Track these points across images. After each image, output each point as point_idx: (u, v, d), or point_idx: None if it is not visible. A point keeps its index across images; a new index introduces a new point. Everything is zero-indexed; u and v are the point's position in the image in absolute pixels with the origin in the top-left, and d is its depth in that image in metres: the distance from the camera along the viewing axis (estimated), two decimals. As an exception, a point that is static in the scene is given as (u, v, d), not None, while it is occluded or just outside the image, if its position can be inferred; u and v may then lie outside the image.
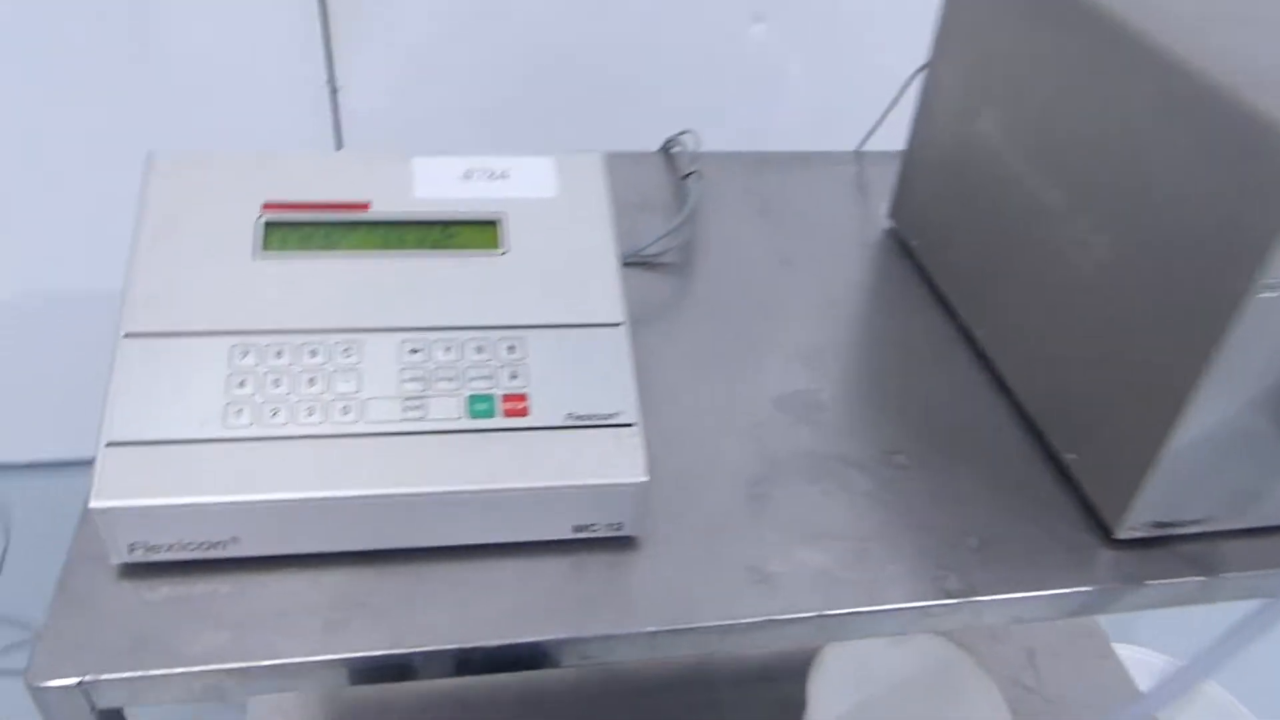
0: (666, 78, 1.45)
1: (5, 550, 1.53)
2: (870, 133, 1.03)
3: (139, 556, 0.55)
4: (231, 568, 0.57)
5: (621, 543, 0.61)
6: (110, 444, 0.55)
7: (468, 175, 0.67)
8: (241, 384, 0.57)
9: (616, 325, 0.63)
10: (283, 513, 0.55)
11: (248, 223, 0.63)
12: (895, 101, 0.96)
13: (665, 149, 1.01)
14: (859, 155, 1.04)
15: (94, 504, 0.53)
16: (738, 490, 0.66)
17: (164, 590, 0.56)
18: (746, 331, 0.78)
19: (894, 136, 0.97)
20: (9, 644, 1.40)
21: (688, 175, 0.92)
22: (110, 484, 0.53)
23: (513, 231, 0.65)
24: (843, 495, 0.66)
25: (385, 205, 0.65)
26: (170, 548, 0.55)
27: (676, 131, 1.00)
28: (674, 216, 0.88)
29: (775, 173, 0.99)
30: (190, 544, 0.56)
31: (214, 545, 0.56)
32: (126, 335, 0.58)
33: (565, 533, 0.60)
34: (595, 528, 0.60)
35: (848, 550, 0.63)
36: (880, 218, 0.94)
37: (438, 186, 0.67)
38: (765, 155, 1.02)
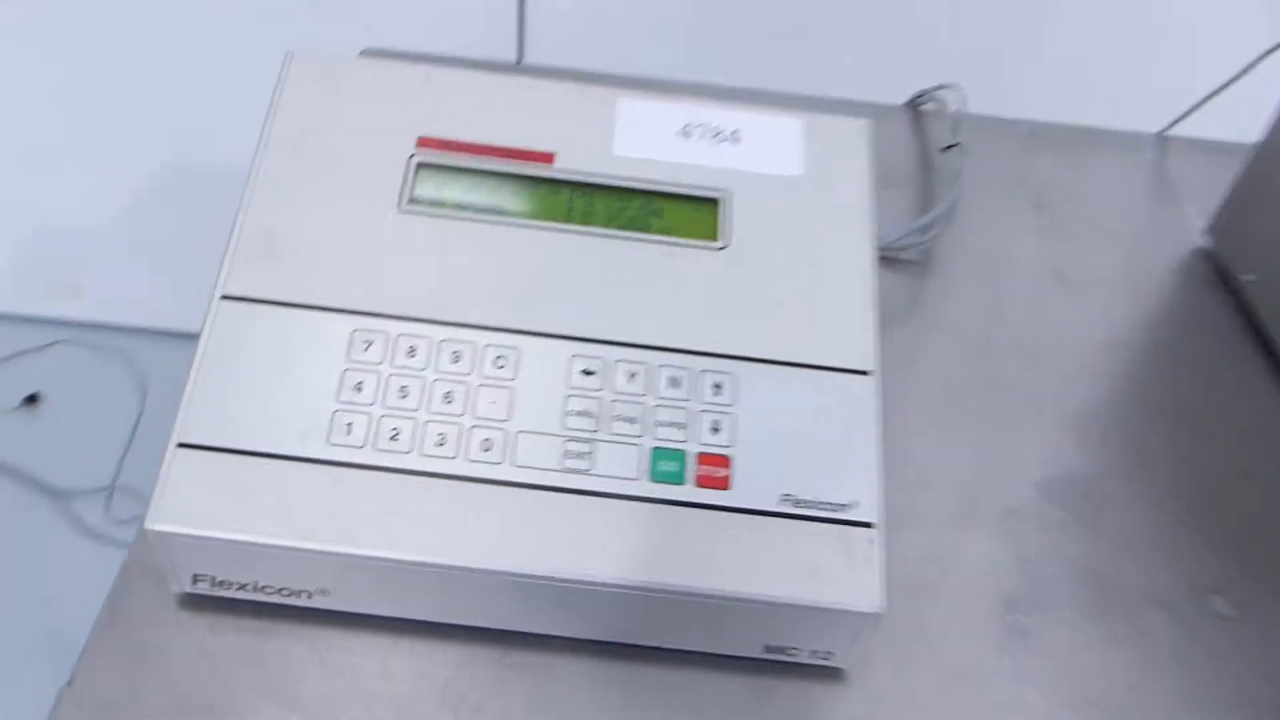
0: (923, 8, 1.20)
1: (140, 416, 1.48)
2: (1187, 113, 0.80)
3: (204, 589, 0.43)
4: (314, 621, 0.44)
5: (824, 673, 0.45)
6: (182, 445, 0.41)
7: (686, 131, 0.50)
8: (359, 387, 0.43)
9: (865, 374, 0.45)
10: (389, 574, 0.41)
11: (396, 160, 0.48)
12: (1235, 79, 0.73)
13: (915, 104, 0.80)
14: (1163, 141, 0.81)
15: (152, 525, 0.40)
16: (986, 614, 0.49)
17: (229, 638, 0.43)
18: (1003, 375, 0.60)
19: (1214, 121, 0.75)
20: (135, 515, 1.36)
21: (949, 148, 0.72)
22: (176, 501, 0.40)
23: (738, 218, 0.48)
24: (1136, 646, 0.48)
25: (574, 159, 0.49)
26: (244, 587, 0.42)
27: (932, 85, 0.79)
28: (921, 198, 0.69)
29: (1053, 152, 0.78)
30: (269, 588, 0.42)
31: (297, 594, 0.42)
32: (224, 297, 0.44)
33: (753, 651, 0.44)
34: (796, 652, 0.44)
35: (1134, 732, 0.45)
36: (1192, 232, 0.72)
37: (645, 141, 0.50)
38: (1043, 128, 0.80)
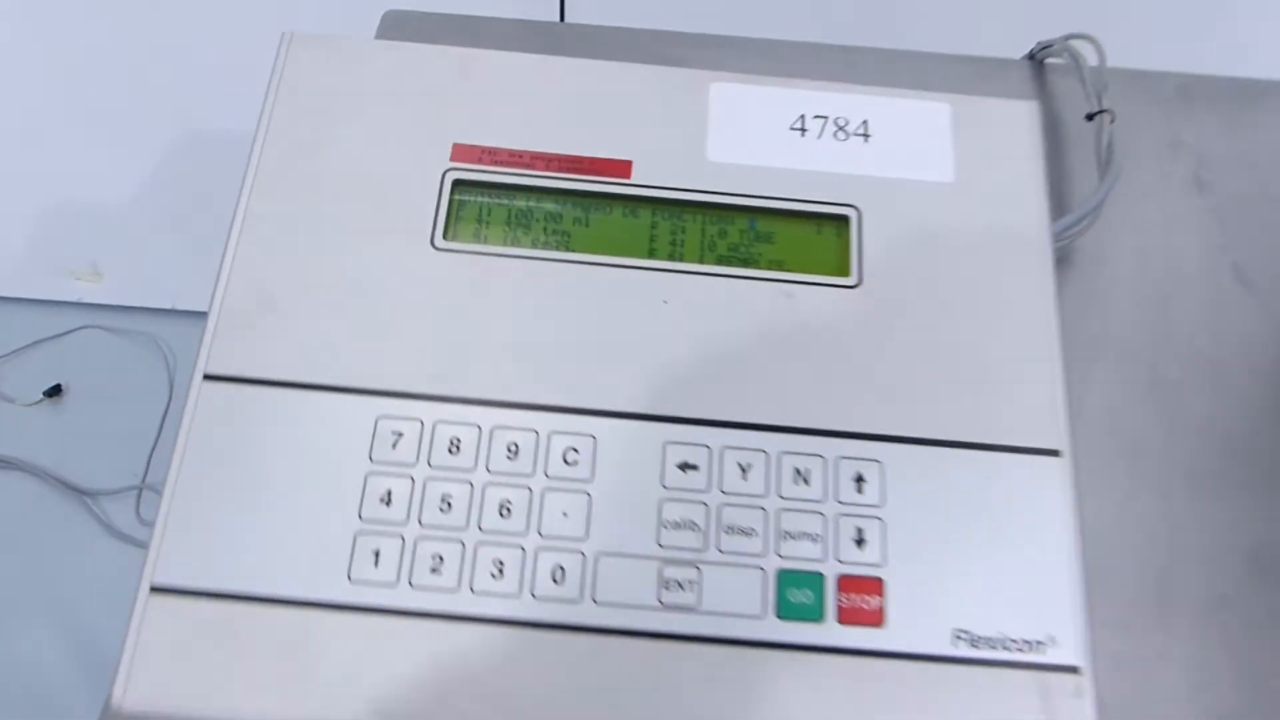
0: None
1: (169, 404, 1.40)
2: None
3: (198, 769, 0.33)
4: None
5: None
6: (158, 590, 0.31)
7: (800, 126, 0.38)
8: (387, 498, 0.32)
9: (1054, 455, 0.34)
10: (435, 752, 0.31)
11: (426, 177, 0.37)
12: None
13: (1037, 57, 0.67)
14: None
15: (121, 702, 0.30)
16: (1202, 745, 0.38)
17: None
18: (1180, 411, 0.48)
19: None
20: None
21: (1096, 114, 0.59)
22: (151, 667, 0.30)
23: (874, 242, 0.37)
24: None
25: (657, 169, 0.37)
26: (247, 764, 0.33)
27: (1059, 34, 0.65)
28: (1051, 180, 0.56)
29: (1212, 113, 0.64)
30: (280, 766, 0.33)
31: (318, 774, 0.33)
32: (208, 377, 0.34)
33: (913, 825, 0.34)
34: (969, 827, 0.33)
35: None
36: (1392, 208, 0.59)
37: (748, 142, 0.38)
38: (1196, 82, 0.66)
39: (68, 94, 1.27)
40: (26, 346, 1.41)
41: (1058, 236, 0.51)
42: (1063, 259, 0.52)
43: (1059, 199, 0.54)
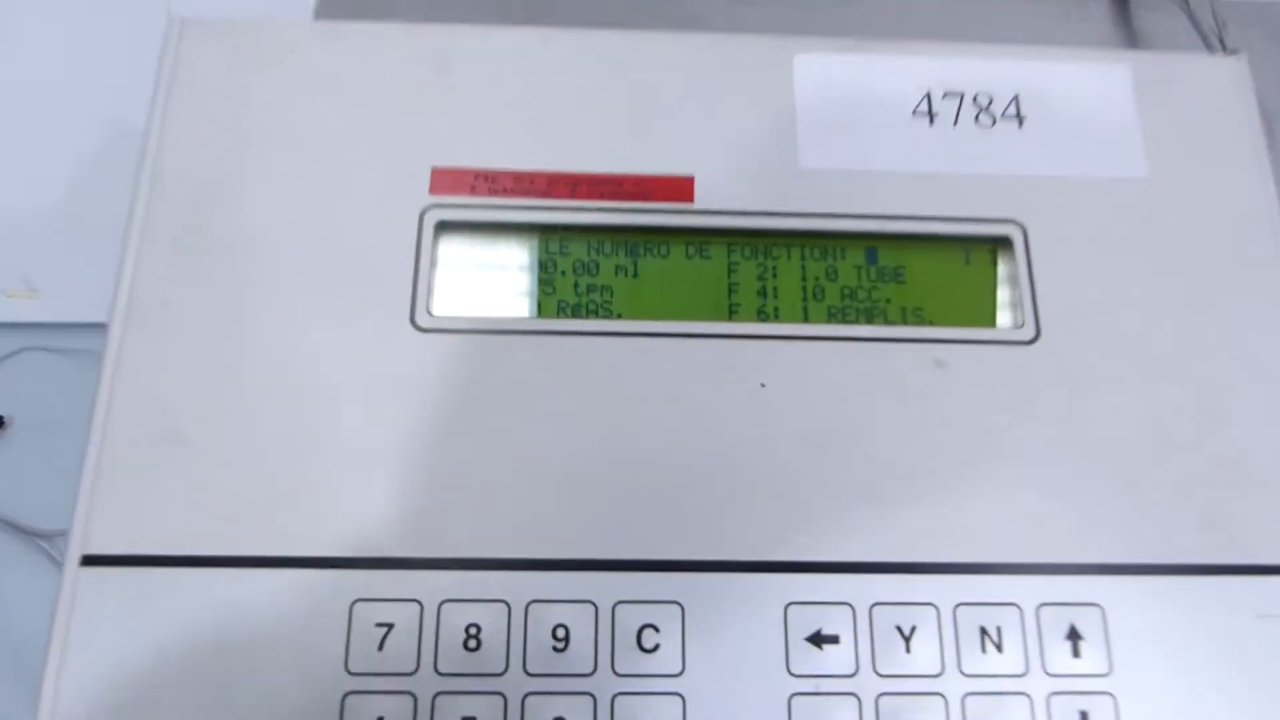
0: None
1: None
2: None
3: None
4: None
5: None
6: None
7: (925, 108, 0.27)
8: (376, 734, 0.21)
9: (1346, 577, 0.23)
10: None
11: (395, 221, 0.25)
12: None
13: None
14: None
15: None
16: None
17: None
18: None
19: None
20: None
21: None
22: None
23: (1049, 273, 0.26)
24: None
25: (726, 188, 0.26)
26: None
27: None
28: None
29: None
30: None
31: None
32: (87, 560, 0.22)
33: None
34: None
35: None
36: None
37: (853, 137, 0.26)
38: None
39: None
40: (-40, 374, 1.28)
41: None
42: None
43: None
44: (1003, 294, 0.25)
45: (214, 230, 0.25)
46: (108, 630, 0.22)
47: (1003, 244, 0.26)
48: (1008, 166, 0.26)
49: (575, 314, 0.25)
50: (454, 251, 0.25)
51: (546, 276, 0.25)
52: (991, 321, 0.25)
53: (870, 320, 0.25)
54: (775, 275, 0.25)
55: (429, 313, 0.24)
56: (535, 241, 0.26)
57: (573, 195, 0.25)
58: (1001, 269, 0.26)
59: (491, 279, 0.25)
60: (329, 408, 0.23)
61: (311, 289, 0.24)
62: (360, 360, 0.24)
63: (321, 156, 0.25)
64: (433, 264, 0.25)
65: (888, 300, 0.25)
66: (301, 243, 0.25)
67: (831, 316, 0.25)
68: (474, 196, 0.25)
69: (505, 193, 0.25)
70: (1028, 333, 0.25)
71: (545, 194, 0.25)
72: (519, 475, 0.23)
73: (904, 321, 0.25)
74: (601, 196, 0.26)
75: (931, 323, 0.25)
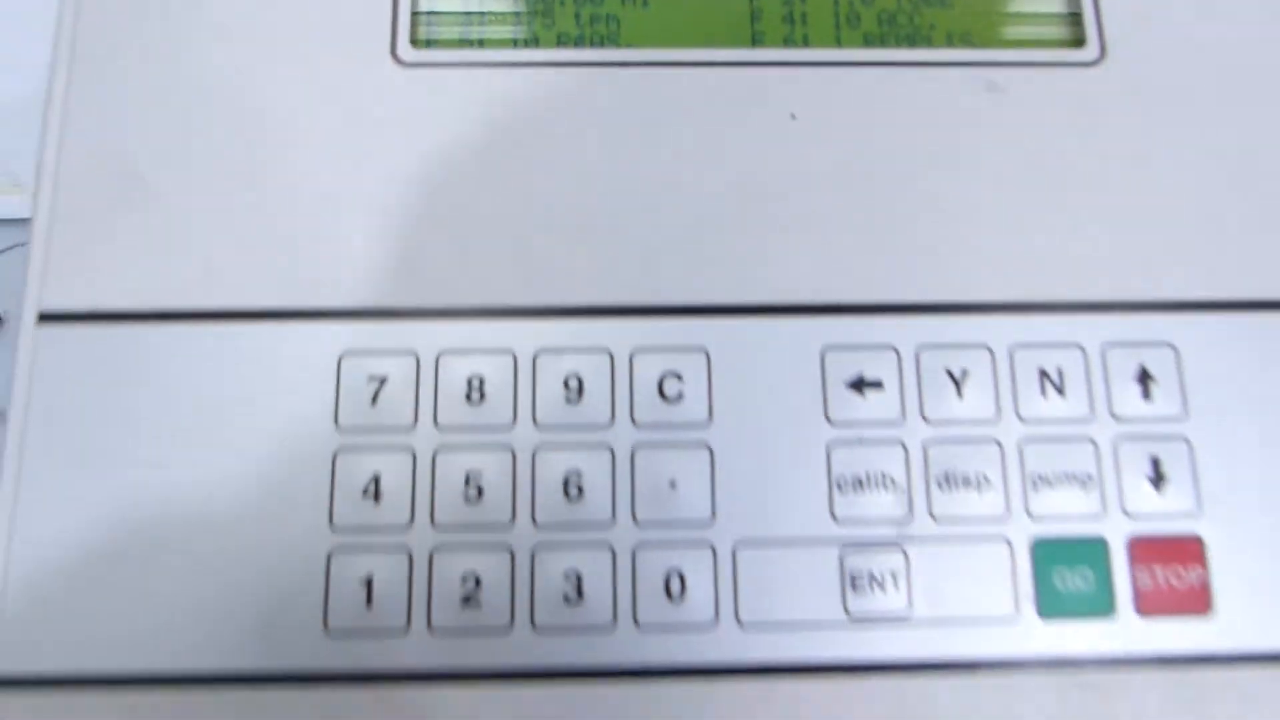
0: None
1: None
2: None
3: None
4: None
5: None
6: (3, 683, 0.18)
7: None
8: (373, 491, 0.19)
9: None
10: None
11: (371, -49, 0.22)
12: None
13: None
14: None
15: None
16: None
17: None
18: None
19: None
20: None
21: None
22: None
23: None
24: None
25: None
26: None
27: None
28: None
29: None
30: None
31: None
32: (44, 317, 0.20)
33: None
34: None
35: None
36: None
37: None
38: None
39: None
40: (-48, 271, 1.26)
41: None
42: None
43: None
44: (1062, 10, 0.22)
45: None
46: (71, 392, 0.19)
47: (1066, -40, 0.23)
48: None
49: (579, 44, 0.22)
50: (439, -20, 0.22)
51: (545, 6, 0.22)
52: (1051, 43, 0.22)
53: (913, 45, 0.22)
54: (805, 1, 0.23)
55: (411, 46, 0.22)
56: (533, -33, 0.23)
57: (572, -88, 0.22)
58: (1066, -13, 0.23)
59: (478, 12, 0.22)
60: (303, 148, 0.21)
61: (289, 32, 0.22)
62: (336, 97, 0.21)
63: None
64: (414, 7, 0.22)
65: (932, 26, 0.22)
66: (269, -19, 0.22)
67: (868, 43, 0.22)
68: (460, -83, 0.22)
69: (495, -87, 0.22)
70: (1091, 53, 0.22)
71: (541, -89, 0.22)
72: (521, 218, 0.21)
73: (952, 44, 0.22)
74: (605, -87, 0.22)
75: (984, 45, 0.22)
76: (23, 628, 0.18)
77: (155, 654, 0.18)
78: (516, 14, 0.22)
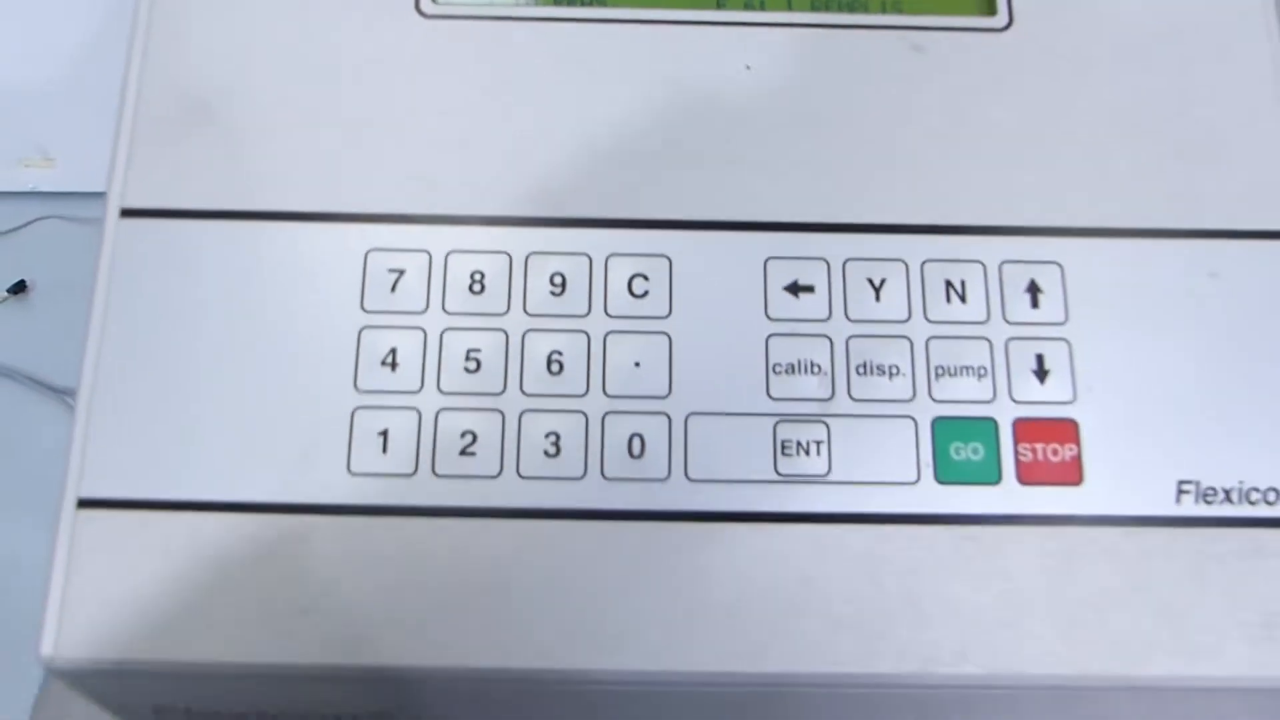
0: None
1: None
2: None
3: (179, 725, 0.25)
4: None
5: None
6: (87, 503, 0.23)
7: None
8: (390, 360, 0.24)
9: (1299, 239, 0.25)
10: (488, 690, 0.23)
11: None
12: None
13: None
14: None
15: (51, 655, 0.22)
16: None
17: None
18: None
19: None
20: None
21: None
22: (86, 605, 0.22)
23: (1026, -32, 0.27)
24: None
25: (719, -114, 0.27)
26: (244, 717, 0.25)
27: None
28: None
29: None
30: (286, 717, 0.25)
31: (335, 723, 0.25)
32: (125, 212, 0.24)
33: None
34: (1189, 730, 0.26)
35: None
36: None
37: None
38: None
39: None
40: (-15, 241, 1.31)
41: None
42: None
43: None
44: (985, -19, 0.27)
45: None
46: (144, 275, 0.24)
47: (985, -61, 0.27)
48: None
49: (572, 4, 0.26)
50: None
51: (545, -28, 0.27)
52: (969, 10, 0.26)
53: (853, 10, 0.26)
54: (766, -30, 0.27)
55: (433, 2, 0.26)
56: (535, -61, 0.27)
57: (570, -105, 0.27)
58: (986, -39, 0.27)
59: (493, -26, 0.27)
60: (340, 85, 0.25)
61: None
62: (369, 41, 0.25)
63: None
64: (437, -36, 0.26)
65: (871, -5, 0.27)
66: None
67: (814, 8, 0.26)
68: (476, -102, 0.27)
69: (506, -106, 0.27)
70: (1001, 20, 0.26)
71: (544, -107, 0.27)
72: (518, 144, 0.25)
73: (885, 10, 0.26)
74: (598, -104, 0.27)
75: (912, 12, 0.26)
76: (103, 459, 0.23)
77: (213, 484, 0.23)
78: (521, -22, 0.27)
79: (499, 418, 0.23)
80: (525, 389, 0.23)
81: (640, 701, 0.23)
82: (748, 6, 0.26)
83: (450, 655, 0.22)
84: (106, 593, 0.22)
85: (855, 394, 0.24)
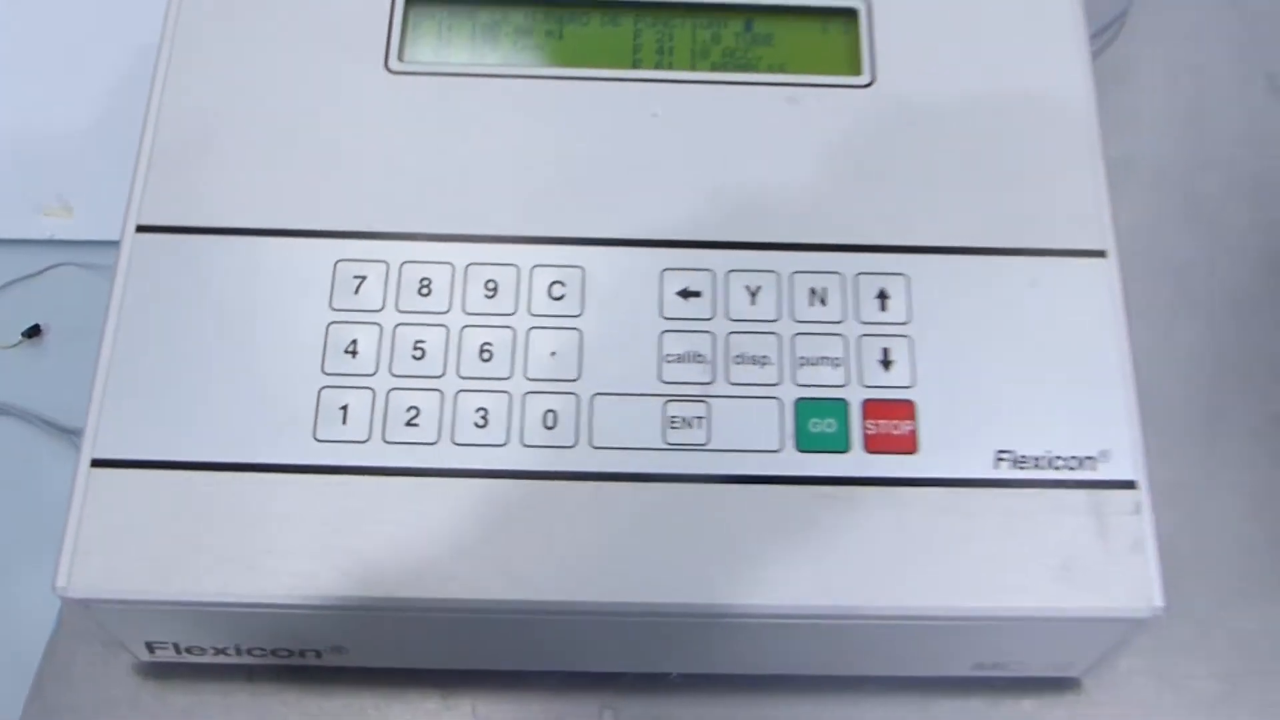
0: None
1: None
2: None
3: (168, 657, 0.30)
4: (333, 684, 0.31)
5: (1052, 685, 0.32)
6: (100, 463, 0.28)
7: (794, -88, 0.34)
8: (352, 349, 0.29)
9: (1099, 256, 0.30)
10: (430, 623, 0.28)
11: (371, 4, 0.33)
12: None
13: None
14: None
15: (68, 589, 0.27)
16: (1262, 563, 0.35)
17: (211, 704, 0.31)
18: (1223, 231, 0.43)
19: None
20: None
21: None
22: (98, 548, 0.27)
23: (886, 35, 0.32)
24: None
25: (634, -29, 0.33)
26: (223, 651, 0.30)
27: None
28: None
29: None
30: (258, 649, 0.30)
31: (300, 654, 0.30)
32: (141, 228, 0.30)
33: (957, 670, 0.31)
34: (1020, 666, 0.30)
35: None
36: None
37: (735, -67, 0.33)
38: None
39: (9, 13, 1.20)
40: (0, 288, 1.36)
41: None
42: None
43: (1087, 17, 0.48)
44: (848, 51, 0.32)
45: (238, 3, 0.32)
46: (157, 284, 0.29)
47: (850, 14, 0.32)
48: (857, -45, 0.33)
49: (517, 62, 0.32)
50: (419, 17, 0.32)
51: (491, 37, 0.32)
52: (838, 71, 0.32)
53: (743, 69, 0.32)
54: (672, 39, 0.32)
55: (398, 60, 0.32)
56: (488, 10, 0.33)
57: (512, -24, 0.33)
58: (849, 33, 0.32)
59: (447, 38, 0.32)
60: (324, 125, 0.31)
61: (311, 48, 0.32)
62: (342, 92, 0.31)
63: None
64: (405, 28, 0.32)
65: (759, 57, 0.32)
66: (305, 16, 0.32)
67: (714, 68, 0.32)
68: (435, -23, 0.33)
69: (460, -25, 0.33)
70: (866, 79, 0.32)
71: (490, -26, 0.33)
72: (464, 175, 0.30)
73: (770, 71, 0.32)
74: (535, -23, 0.33)
75: (792, 72, 0.32)
76: (113, 427, 0.28)
77: (204, 448, 0.28)
78: (473, 43, 0.32)
79: (439, 396, 0.28)
80: (461, 373, 0.29)
81: (542, 629, 0.28)
82: (658, 66, 0.32)
83: (392, 589, 0.27)
84: (111, 538, 0.27)
85: (732, 379, 0.29)
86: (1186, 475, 0.36)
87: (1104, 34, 0.48)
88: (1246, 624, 0.33)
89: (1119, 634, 0.28)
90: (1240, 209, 0.44)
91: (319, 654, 0.29)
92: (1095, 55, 0.46)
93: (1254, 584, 0.34)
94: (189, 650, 0.29)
